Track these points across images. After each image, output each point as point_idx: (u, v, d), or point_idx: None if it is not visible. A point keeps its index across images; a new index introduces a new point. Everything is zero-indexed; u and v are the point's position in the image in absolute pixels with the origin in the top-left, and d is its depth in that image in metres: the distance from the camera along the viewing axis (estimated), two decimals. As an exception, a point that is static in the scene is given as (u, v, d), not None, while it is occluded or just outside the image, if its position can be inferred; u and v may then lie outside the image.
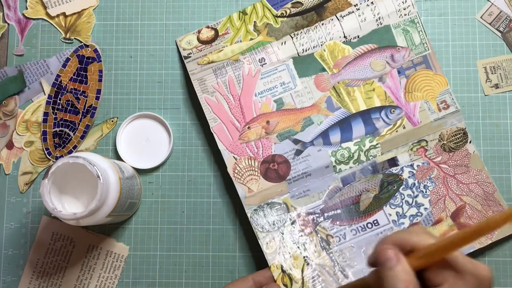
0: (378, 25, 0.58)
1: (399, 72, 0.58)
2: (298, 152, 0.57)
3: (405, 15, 0.58)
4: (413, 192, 0.57)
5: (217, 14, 0.61)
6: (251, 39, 0.58)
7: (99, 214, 0.49)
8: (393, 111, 0.57)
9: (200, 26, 0.61)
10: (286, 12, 0.58)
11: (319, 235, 0.56)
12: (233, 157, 0.57)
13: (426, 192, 0.57)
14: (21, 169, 0.60)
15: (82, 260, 0.58)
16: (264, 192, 0.56)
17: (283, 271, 0.55)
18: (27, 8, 0.61)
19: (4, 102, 0.60)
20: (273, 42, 0.58)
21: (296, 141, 0.57)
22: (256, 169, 0.57)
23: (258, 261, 0.58)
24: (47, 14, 0.61)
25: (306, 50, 0.58)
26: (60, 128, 0.60)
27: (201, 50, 0.58)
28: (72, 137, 0.60)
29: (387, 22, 0.58)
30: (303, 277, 0.55)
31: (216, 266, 0.58)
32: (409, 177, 0.57)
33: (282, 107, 0.58)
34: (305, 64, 0.58)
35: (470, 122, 0.59)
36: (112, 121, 0.60)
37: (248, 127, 0.57)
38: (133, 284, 0.58)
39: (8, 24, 0.61)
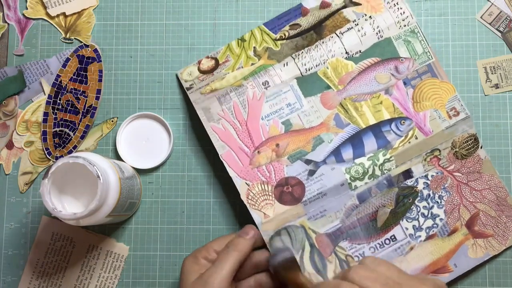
0: (378, 38, 0.58)
1: (404, 83, 0.57)
2: (311, 173, 0.56)
3: (405, 26, 0.57)
4: (428, 204, 0.56)
5: (217, 14, 0.61)
6: (252, 64, 0.57)
7: (99, 214, 0.49)
8: (403, 122, 0.57)
9: (200, 26, 0.61)
10: (285, 34, 0.58)
11: (338, 256, 0.55)
12: (245, 183, 0.56)
13: (441, 202, 0.56)
14: (21, 169, 0.60)
15: (82, 260, 0.58)
16: (280, 216, 0.56)
17: None
18: (27, 8, 0.61)
19: (4, 102, 0.60)
20: (275, 64, 0.57)
21: (308, 162, 0.56)
22: (270, 194, 0.56)
23: (258, 261, 0.58)
24: (47, 14, 0.61)
25: (309, 70, 0.57)
26: (60, 128, 0.60)
27: (203, 80, 0.57)
28: (72, 137, 0.60)
29: (387, 34, 0.58)
30: None
31: (216, 266, 0.58)
32: (424, 188, 0.56)
33: (290, 129, 0.57)
34: (310, 83, 0.57)
35: (470, 122, 0.59)
36: (112, 121, 0.60)
37: (258, 152, 0.57)
38: (133, 284, 0.58)
39: (8, 24, 0.61)
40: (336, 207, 0.56)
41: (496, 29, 0.60)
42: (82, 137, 0.60)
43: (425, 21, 0.60)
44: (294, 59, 0.57)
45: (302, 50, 0.57)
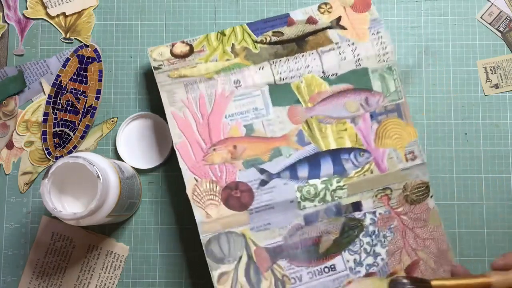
0: (356, 66, 0.57)
1: (371, 116, 0.57)
2: (263, 183, 0.55)
3: (384, 61, 0.57)
4: (372, 240, 0.56)
5: (217, 14, 0.61)
6: (228, 60, 0.57)
7: (99, 214, 0.49)
8: (363, 154, 0.56)
9: (200, 26, 0.61)
10: (266, 39, 0.57)
11: (275, 274, 0.54)
12: (194, 178, 0.55)
13: (384, 241, 0.56)
14: (21, 169, 0.60)
15: (82, 260, 0.58)
16: (223, 220, 0.55)
17: None
18: (27, 8, 0.61)
19: (4, 102, 0.60)
20: (250, 66, 0.57)
21: (262, 171, 0.56)
22: (217, 194, 0.55)
23: (258, 261, 0.58)
24: (47, 14, 0.61)
25: (283, 79, 0.57)
26: (60, 128, 0.60)
27: (173, 63, 0.56)
28: (72, 137, 0.60)
29: (365, 64, 0.57)
30: None
31: (216, 266, 0.58)
32: (370, 224, 0.56)
33: (251, 134, 0.56)
34: (281, 93, 0.57)
35: (470, 122, 0.59)
36: (112, 121, 0.60)
37: (214, 149, 0.55)
38: (133, 284, 0.58)
39: (8, 24, 0.61)
40: (281, 223, 0.55)
41: (496, 29, 0.60)
42: (82, 137, 0.60)
43: (425, 21, 0.60)
44: (271, 65, 0.57)
45: (281, 59, 0.57)
